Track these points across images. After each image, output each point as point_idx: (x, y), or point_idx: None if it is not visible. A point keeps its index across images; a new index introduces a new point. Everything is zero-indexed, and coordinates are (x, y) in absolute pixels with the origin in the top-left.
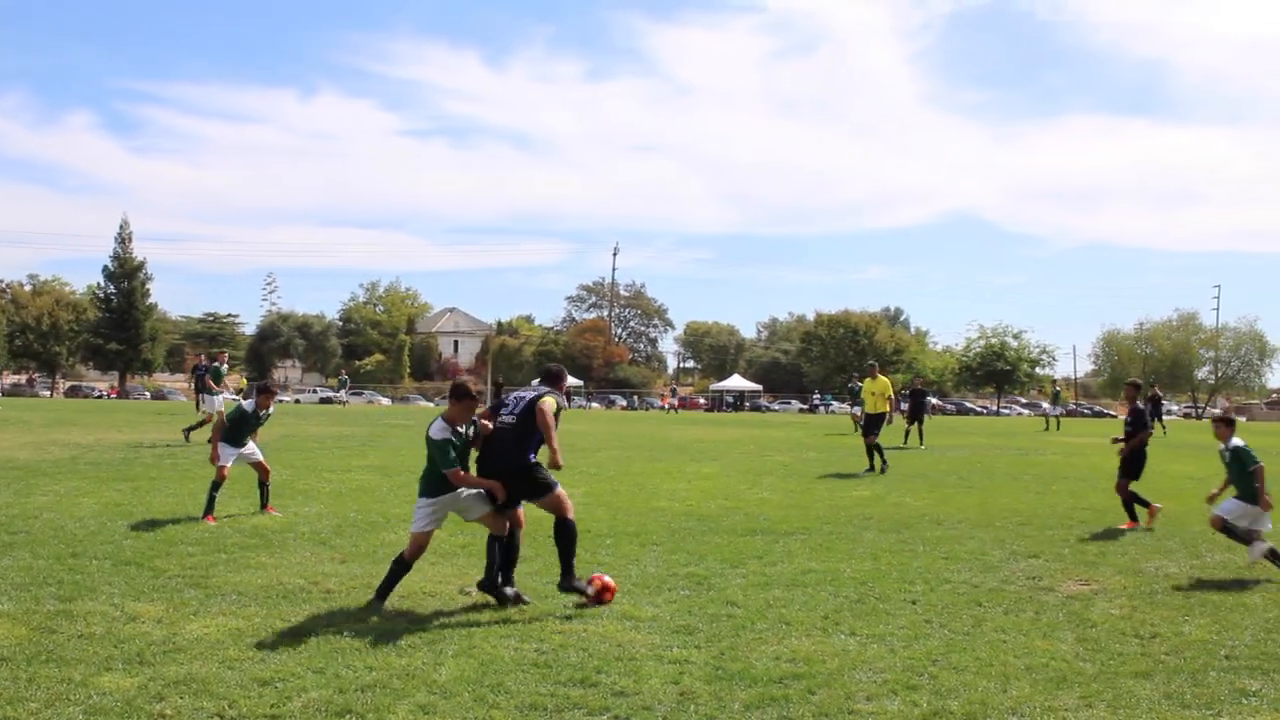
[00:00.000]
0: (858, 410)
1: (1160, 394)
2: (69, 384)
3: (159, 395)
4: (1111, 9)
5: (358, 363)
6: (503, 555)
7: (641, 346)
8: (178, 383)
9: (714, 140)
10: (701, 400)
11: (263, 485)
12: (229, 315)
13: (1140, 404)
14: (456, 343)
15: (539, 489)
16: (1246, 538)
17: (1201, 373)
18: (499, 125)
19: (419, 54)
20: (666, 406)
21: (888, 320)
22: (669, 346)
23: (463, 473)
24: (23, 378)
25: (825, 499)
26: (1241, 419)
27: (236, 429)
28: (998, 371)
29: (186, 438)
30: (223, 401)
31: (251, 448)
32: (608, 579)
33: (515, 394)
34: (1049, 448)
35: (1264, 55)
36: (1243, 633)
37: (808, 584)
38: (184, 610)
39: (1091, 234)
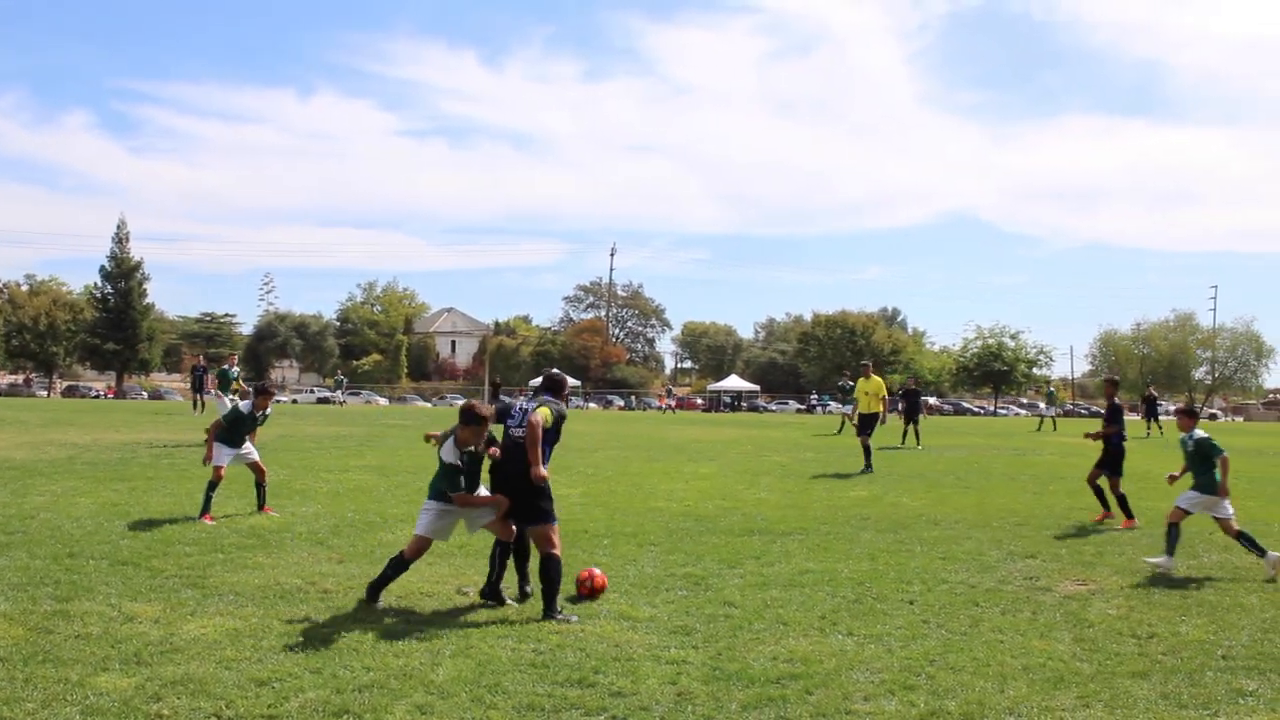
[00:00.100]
0: (849, 409)
1: (1156, 394)
2: (66, 384)
3: (156, 395)
4: (1109, 9)
5: (355, 363)
6: (516, 557)
7: (639, 347)
8: (175, 383)
9: (712, 140)
10: (699, 400)
11: (259, 486)
12: (226, 315)
13: (1118, 400)
14: (454, 343)
15: (535, 515)
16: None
17: (1198, 373)
18: (497, 125)
19: (417, 54)
20: (664, 407)
21: (885, 321)
22: (666, 347)
23: (468, 495)
24: (20, 378)
25: (823, 499)
26: (1239, 419)
27: (233, 429)
28: (995, 372)
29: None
30: (230, 404)
31: (248, 448)
32: (596, 570)
33: (519, 405)
34: (1046, 448)
35: (1261, 55)
36: (1239, 633)
37: (805, 584)
38: (181, 610)
39: (1089, 234)
